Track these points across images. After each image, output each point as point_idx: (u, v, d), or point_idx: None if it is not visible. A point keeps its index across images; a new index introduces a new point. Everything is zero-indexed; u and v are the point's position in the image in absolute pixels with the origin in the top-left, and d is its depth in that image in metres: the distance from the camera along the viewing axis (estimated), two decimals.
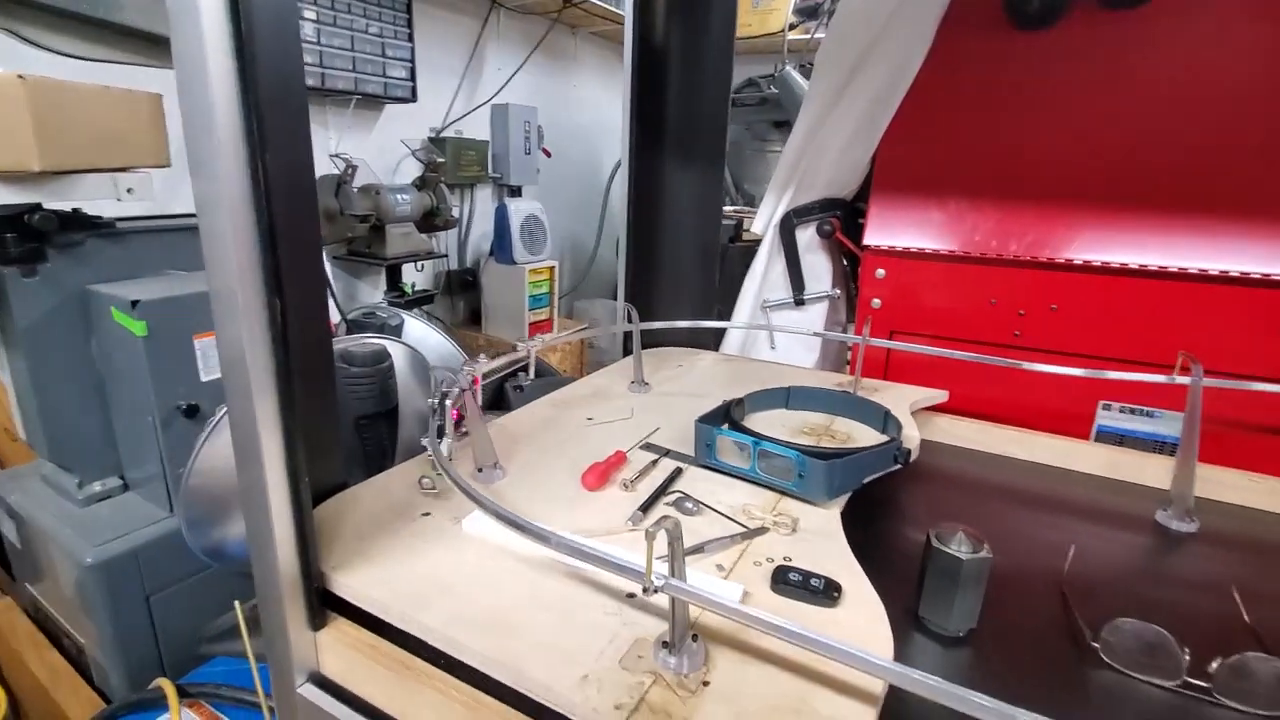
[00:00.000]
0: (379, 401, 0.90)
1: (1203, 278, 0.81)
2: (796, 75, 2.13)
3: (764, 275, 1.10)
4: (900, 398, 0.88)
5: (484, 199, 2.68)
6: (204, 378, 1.09)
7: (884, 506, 0.72)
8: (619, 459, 0.67)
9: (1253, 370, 0.78)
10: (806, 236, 1.08)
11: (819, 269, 1.10)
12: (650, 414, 0.82)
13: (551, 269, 2.52)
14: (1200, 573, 0.65)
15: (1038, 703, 0.39)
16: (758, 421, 0.80)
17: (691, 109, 1.03)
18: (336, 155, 1.92)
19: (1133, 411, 0.88)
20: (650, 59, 1.02)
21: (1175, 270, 0.82)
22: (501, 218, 2.42)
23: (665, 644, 0.41)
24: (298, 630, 0.48)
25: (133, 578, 1.04)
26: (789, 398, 0.83)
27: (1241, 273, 0.79)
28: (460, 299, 2.65)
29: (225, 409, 0.89)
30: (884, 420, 0.75)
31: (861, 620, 0.47)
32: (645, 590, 0.37)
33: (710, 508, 0.60)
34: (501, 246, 2.45)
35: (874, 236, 0.97)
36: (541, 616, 0.46)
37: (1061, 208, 0.88)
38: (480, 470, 0.64)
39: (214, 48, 0.36)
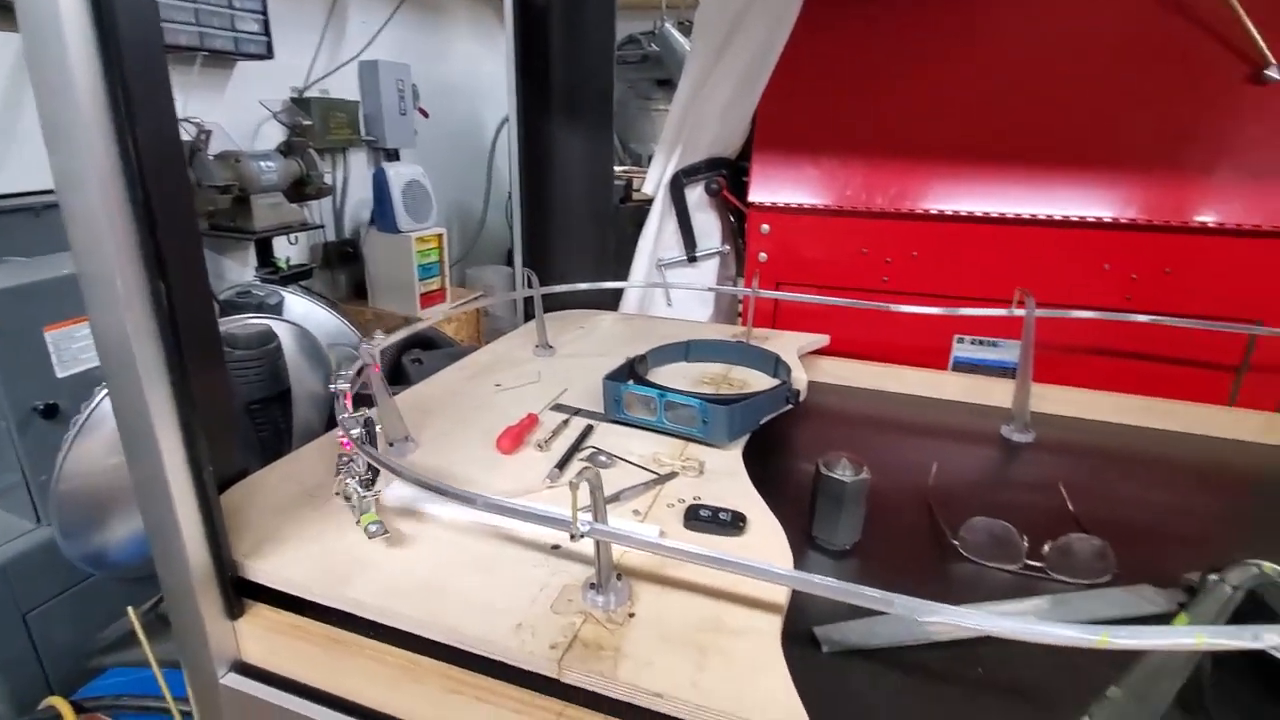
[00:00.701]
0: (269, 385, 0.86)
1: (1034, 222, 0.93)
2: (676, 32, 2.14)
3: (657, 235, 1.13)
4: (788, 344, 0.95)
5: (359, 164, 2.52)
6: (60, 373, 0.98)
7: (779, 443, 0.79)
8: (531, 421, 0.69)
9: (1078, 300, 0.91)
10: (695, 195, 1.12)
11: (709, 227, 1.14)
12: (557, 376, 0.84)
13: (440, 236, 2.43)
14: (1036, 475, 0.76)
15: (911, 593, 0.46)
16: (660, 375, 0.84)
17: (576, 65, 1.03)
18: (186, 120, 1.74)
19: (981, 343, 1.00)
20: (531, 14, 1.00)
21: (1012, 216, 0.93)
22: (380, 183, 2.29)
23: (593, 585, 0.44)
24: (215, 621, 0.47)
25: (3, 596, 0.94)
26: (688, 351, 0.88)
27: (1063, 216, 0.91)
28: (342, 272, 2.51)
29: (91, 405, 0.82)
30: (775, 366, 0.81)
31: (765, 544, 0.52)
32: (573, 537, 0.40)
33: (623, 459, 0.63)
34: (383, 214, 2.33)
35: (757, 194, 1.02)
36: (470, 578, 0.47)
37: (919, 163, 0.97)
38: (392, 444, 0.64)
39: (67, 5, 0.33)
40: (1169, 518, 0.68)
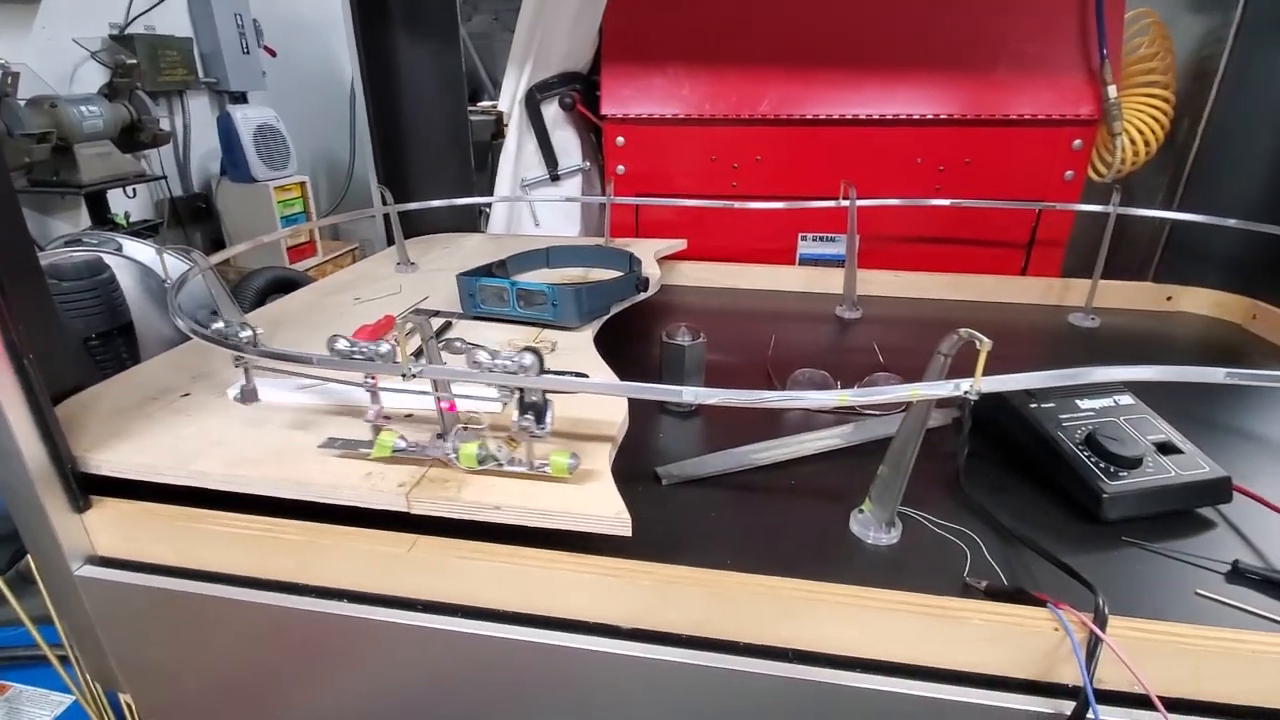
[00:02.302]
0: (107, 318, 0.82)
1: (858, 122, 1.02)
2: None
3: (517, 154, 1.14)
4: (646, 249, 1.00)
5: (201, 109, 2.31)
6: None
7: (636, 334, 0.85)
8: (388, 322, 0.71)
9: (899, 192, 1.01)
10: (552, 112, 1.14)
11: (569, 143, 1.16)
12: (419, 288, 0.85)
13: (302, 185, 2.30)
14: (857, 341, 0.86)
15: (749, 440, 0.53)
16: (523, 280, 0.87)
17: None
18: None
19: (822, 238, 1.10)
20: None
21: (837, 117, 1.01)
22: (227, 129, 2.12)
23: (439, 435, 0.48)
24: (61, 516, 0.47)
25: None
26: (549, 257, 0.91)
27: (880, 115, 1.00)
28: (195, 229, 2.32)
29: None
30: (629, 262, 0.86)
31: (604, 399, 0.58)
32: (404, 376, 0.43)
33: (479, 346, 0.66)
34: (234, 163, 2.17)
35: (609, 106, 1.06)
36: (322, 446, 0.50)
37: (755, 70, 1.03)
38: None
39: None
40: (956, 363, 0.80)
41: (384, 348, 0.46)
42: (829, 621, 0.40)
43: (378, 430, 0.47)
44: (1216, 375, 0.42)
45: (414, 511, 0.44)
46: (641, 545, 0.44)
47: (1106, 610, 0.38)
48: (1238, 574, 0.46)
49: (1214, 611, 0.43)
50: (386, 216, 0.93)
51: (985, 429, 0.62)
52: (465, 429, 0.49)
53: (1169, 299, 0.96)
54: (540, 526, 0.43)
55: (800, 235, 1.11)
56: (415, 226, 1.08)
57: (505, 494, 0.44)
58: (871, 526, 0.49)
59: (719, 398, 0.42)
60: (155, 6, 2.09)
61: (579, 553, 0.43)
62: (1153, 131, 0.95)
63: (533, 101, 1.12)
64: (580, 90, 1.11)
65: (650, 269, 0.90)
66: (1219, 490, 0.52)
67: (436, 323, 0.73)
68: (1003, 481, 0.57)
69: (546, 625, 0.43)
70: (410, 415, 0.53)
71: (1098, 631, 0.37)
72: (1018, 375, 0.41)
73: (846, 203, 0.92)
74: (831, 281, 1.02)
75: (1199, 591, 0.44)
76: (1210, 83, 0.89)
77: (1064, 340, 0.90)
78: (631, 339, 0.83)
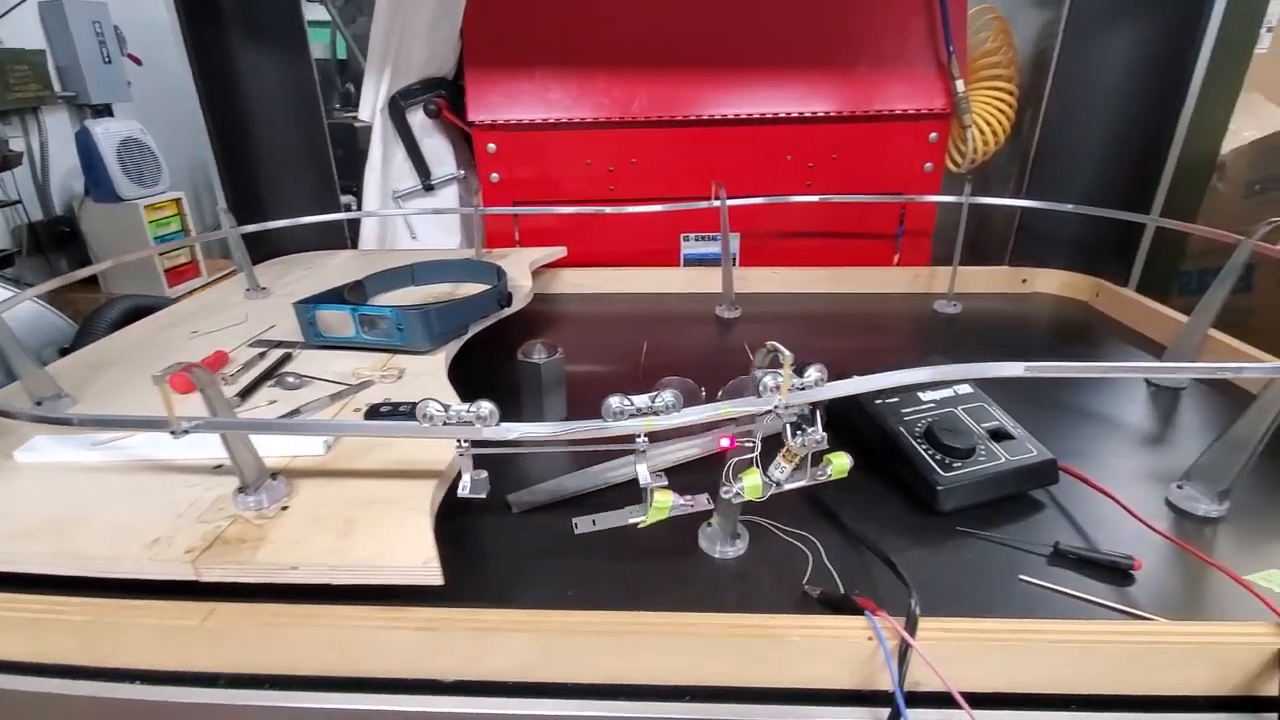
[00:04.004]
0: None
1: (728, 121, 1.02)
2: None
3: (384, 164, 1.09)
4: (521, 260, 0.97)
5: (60, 125, 2.12)
6: None
7: (507, 353, 0.82)
8: (219, 359, 0.66)
9: (775, 190, 1.02)
10: (420, 119, 1.09)
11: (440, 151, 1.12)
12: (266, 316, 0.79)
13: (177, 202, 2.14)
14: (736, 341, 0.86)
15: (609, 456, 0.51)
16: (385, 300, 0.83)
17: None
18: None
19: (704, 238, 1.10)
20: None
21: (706, 118, 1.01)
22: (86, 146, 1.95)
23: (241, 489, 0.44)
24: None
25: None
26: (414, 274, 0.87)
27: (747, 114, 1.01)
28: (59, 256, 2.13)
29: None
30: (496, 276, 0.83)
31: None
32: (174, 434, 0.39)
33: (317, 379, 0.62)
34: (97, 182, 1.99)
35: (476, 112, 1.02)
36: (117, 507, 0.45)
37: (624, 72, 1.02)
38: (40, 404, 0.58)
39: None
40: (827, 356, 0.81)
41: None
42: (654, 652, 0.39)
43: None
44: (1016, 369, 0.43)
45: (204, 579, 0.40)
46: (475, 585, 0.41)
47: (918, 612, 0.38)
48: (1059, 555, 0.47)
49: (1034, 596, 0.44)
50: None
51: (840, 426, 0.62)
52: (276, 479, 0.45)
53: (1024, 281, 1.01)
54: (345, 584, 0.40)
55: (683, 236, 1.11)
56: (276, 247, 1.02)
57: (307, 551, 0.41)
58: (718, 540, 0.48)
59: (518, 433, 0.40)
60: (1, 17, 1.89)
61: (397, 604, 0.40)
62: (999, 123, 0.99)
63: (396, 109, 1.07)
64: (446, 96, 1.07)
65: (521, 281, 0.87)
66: (1046, 472, 0.54)
67: (275, 354, 0.68)
68: (854, 479, 0.57)
69: (364, 688, 0.40)
70: (220, 466, 0.49)
71: (907, 637, 0.37)
72: (824, 388, 0.41)
73: (718, 203, 0.92)
74: (714, 281, 1.01)
75: (1022, 577, 0.45)
76: (1048, 74, 0.93)
77: (928, 327, 0.93)
78: (500, 357, 0.80)
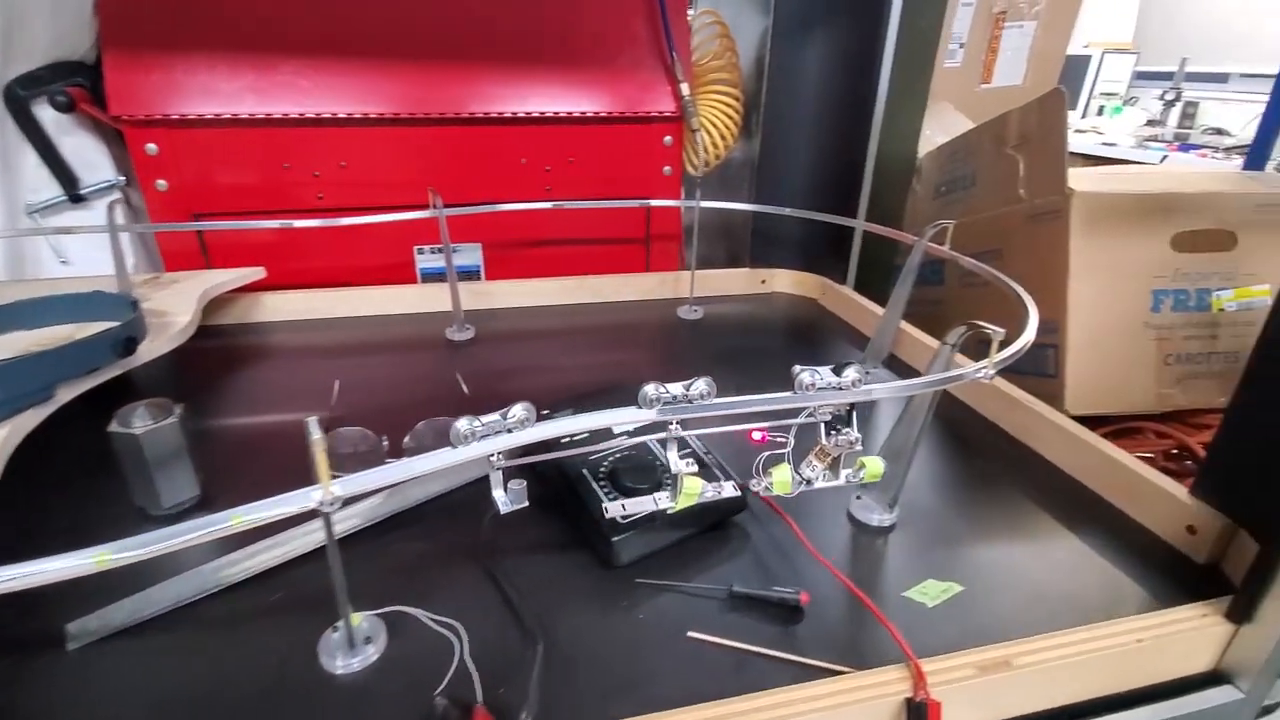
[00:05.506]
0: None
1: (449, 120, 0.92)
2: None
3: (5, 171, 0.85)
4: (197, 285, 0.80)
5: None
6: None
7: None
8: None
9: (515, 195, 0.94)
10: (53, 113, 0.86)
11: (89, 153, 0.89)
12: None
13: None
14: (461, 368, 0.77)
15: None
16: None
17: None
18: None
19: (439, 250, 0.99)
20: None
21: (422, 116, 0.90)
22: None
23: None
24: None
25: None
26: (17, 315, 0.67)
27: (470, 113, 0.92)
28: None
29: None
30: (130, 311, 0.66)
31: None
32: None
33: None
34: None
35: (121, 104, 0.82)
36: None
37: (325, 59, 0.87)
38: None
39: None
40: (563, 377, 0.75)
41: None
42: None
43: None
44: (650, 414, 0.38)
45: None
46: None
47: None
48: (733, 598, 0.44)
49: (703, 655, 0.40)
50: None
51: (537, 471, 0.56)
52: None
53: (764, 282, 1.03)
54: None
55: (416, 249, 0.99)
56: None
57: None
58: (340, 652, 0.39)
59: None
60: None
61: None
62: (726, 126, 0.99)
63: (16, 101, 0.83)
64: (86, 85, 0.85)
65: (179, 316, 0.71)
66: (736, 502, 0.51)
67: None
68: (543, 535, 0.51)
69: None
70: None
71: None
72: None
73: (434, 212, 0.82)
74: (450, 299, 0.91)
75: (691, 634, 0.41)
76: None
77: (671, 334, 0.90)
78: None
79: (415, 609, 0.42)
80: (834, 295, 0.96)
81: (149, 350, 0.65)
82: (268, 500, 0.29)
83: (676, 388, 0.38)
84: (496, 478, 0.37)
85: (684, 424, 0.49)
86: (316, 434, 0.28)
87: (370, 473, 0.31)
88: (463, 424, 0.34)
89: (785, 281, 1.02)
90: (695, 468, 0.41)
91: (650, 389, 0.37)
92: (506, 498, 0.38)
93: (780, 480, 0.42)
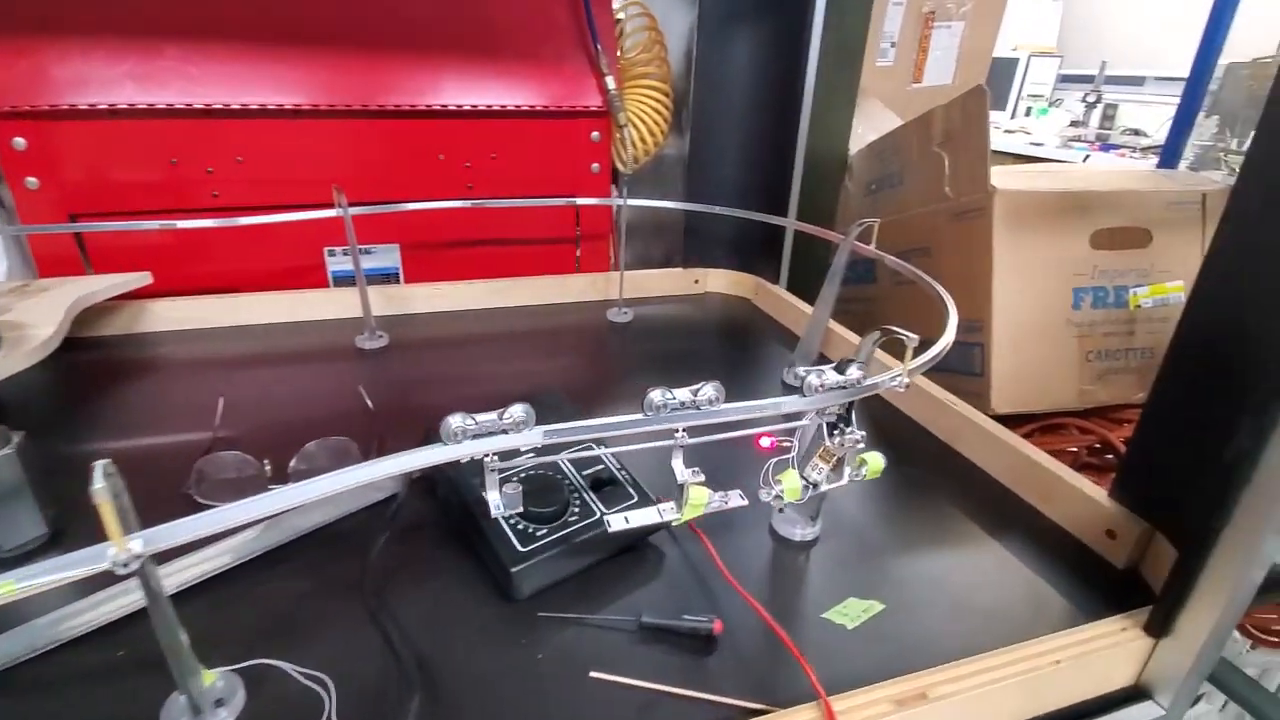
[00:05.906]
0: None
1: (356, 113, 0.86)
2: None
3: None
4: (69, 293, 0.72)
5: None
6: None
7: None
8: None
9: (431, 193, 0.88)
10: None
11: None
12: None
13: None
14: (368, 380, 0.71)
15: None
16: None
17: None
18: None
19: (359, 252, 0.93)
20: None
21: (326, 108, 0.84)
22: None
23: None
24: None
25: None
26: None
27: (379, 106, 0.86)
28: None
29: None
30: None
31: None
32: None
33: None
34: None
35: None
36: None
37: (210, 45, 0.80)
38: None
39: None
40: (477, 388, 0.71)
41: None
42: None
43: None
44: (535, 437, 0.35)
45: None
46: None
47: None
48: (642, 629, 0.41)
49: (609, 695, 0.37)
50: None
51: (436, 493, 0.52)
52: None
53: (696, 282, 1.01)
54: None
55: (327, 250, 0.93)
56: None
57: None
58: (186, 715, 0.34)
59: None
60: None
61: None
62: (656, 123, 0.96)
63: None
64: None
65: (41, 328, 0.64)
66: (653, 526, 0.48)
67: None
68: (439, 566, 0.46)
69: None
70: None
71: None
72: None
73: (338, 211, 0.76)
74: (372, 302, 0.85)
75: (593, 674, 0.38)
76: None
77: (600, 338, 0.87)
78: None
79: (282, 661, 0.37)
80: (766, 295, 0.94)
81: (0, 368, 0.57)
82: (51, 561, 0.24)
83: (684, 393, 0.37)
84: (492, 479, 0.37)
85: (601, 441, 0.46)
86: (100, 482, 0.23)
87: (186, 521, 0.26)
88: (455, 420, 0.33)
89: (719, 281, 1.00)
90: (701, 478, 0.39)
91: (656, 395, 0.36)
92: (500, 501, 0.37)
93: (791, 488, 0.41)
